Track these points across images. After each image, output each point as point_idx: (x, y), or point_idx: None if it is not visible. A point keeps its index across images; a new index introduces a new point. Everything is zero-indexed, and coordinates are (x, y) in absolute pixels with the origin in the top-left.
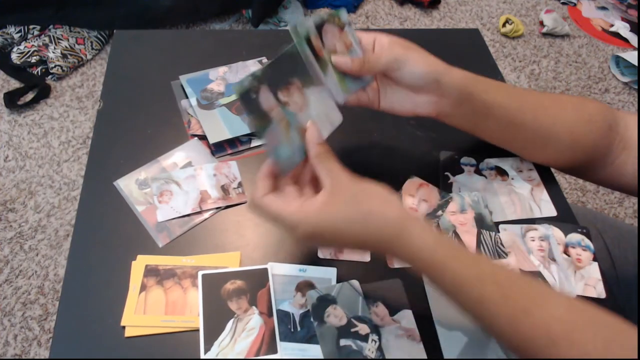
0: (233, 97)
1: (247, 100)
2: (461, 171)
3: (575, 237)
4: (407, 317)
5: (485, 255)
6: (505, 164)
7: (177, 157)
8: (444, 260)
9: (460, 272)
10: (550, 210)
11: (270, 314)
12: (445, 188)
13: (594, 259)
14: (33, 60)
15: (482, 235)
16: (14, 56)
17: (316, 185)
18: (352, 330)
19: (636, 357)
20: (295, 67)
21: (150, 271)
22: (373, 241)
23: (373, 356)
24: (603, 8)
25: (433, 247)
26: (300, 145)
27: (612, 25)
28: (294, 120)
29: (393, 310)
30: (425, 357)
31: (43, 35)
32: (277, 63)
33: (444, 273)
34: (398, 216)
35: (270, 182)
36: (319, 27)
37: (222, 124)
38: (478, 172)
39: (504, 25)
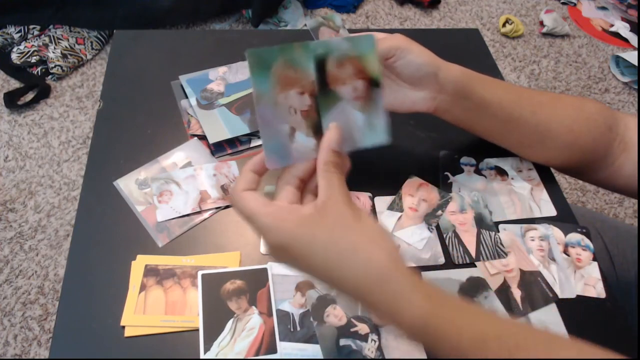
0: (233, 97)
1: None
2: (461, 171)
3: (575, 236)
4: None
5: (485, 307)
6: (505, 163)
7: (177, 157)
8: (439, 327)
9: (459, 339)
10: (550, 210)
11: (270, 314)
12: (445, 188)
13: (594, 259)
14: (33, 60)
15: (481, 235)
16: (14, 56)
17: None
18: (352, 330)
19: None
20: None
21: (150, 271)
22: (349, 284)
23: (373, 356)
24: (603, 8)
25: (426, 313)
26: (309, 144)
27: (612, 25)
28: (326, 110)
29: None
30: (425, 357)
31: (43, 35)
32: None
33: (440, 341)
34: (386, 264)
35: (255, 177)
36: (316, 30)
37: (222, 124)
38: (478, 172)
39: (504, 25)
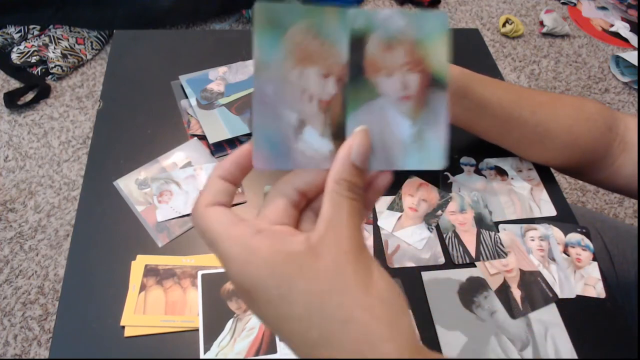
0: (233, 97)
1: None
2: (461, 171)
3: (574, 236)
4: None
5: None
6: (505, 163)
7: (176, 157)
8: None
9: None
10: (550, 210)
11: None
12: (444, 188)
13: (594, 259)
14: (33, 60)
15: (481, 235)
16: (14, 56)
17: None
18: None
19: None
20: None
21: (150, 271)
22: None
23: None
24: (603, 8)
25: None
26: (322, 148)
27: (612, 25)
28: (355, 106)
29: None
30: None
31: (43, 35)
32: None
33: None
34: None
35: (227, 187)
36: None
37: (222, 124)
38: (478, 172)
39: (504, 25)
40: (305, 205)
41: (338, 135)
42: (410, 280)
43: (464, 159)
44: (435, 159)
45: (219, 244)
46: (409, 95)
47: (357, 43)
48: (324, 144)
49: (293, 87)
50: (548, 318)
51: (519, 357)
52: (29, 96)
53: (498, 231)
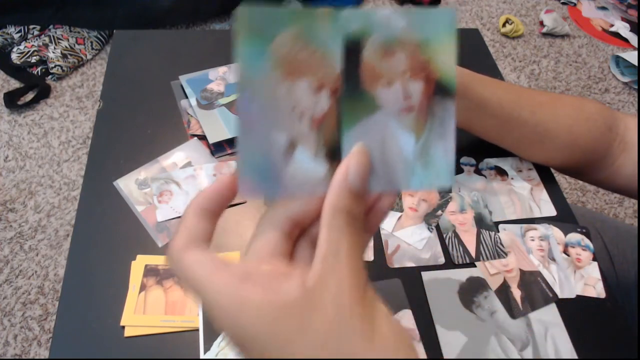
0: (233, 97)
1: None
2: (461, 171)
3: (574, 236)
4: (407, 317)
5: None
6: (505, 163)
7: (176, 157)
8: None
9: None
10: (550, 210)
11: None
12: None
13: (594, 259)
14: (33, 60)
15: (481, 235)
16: (14, 56)
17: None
18: None
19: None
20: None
21: (150, 271)
22: None
23: None
24: (603, 8)
25: None
26: (316, 170)
27: (612, 25)
28: (351, 122)
29: (393, 310)
30: (425, 357)
31: (43, 35)
32: None
33: None
34: None
35: (205, 225)
36: None
37: (222, 124)
38: (478, 172)
39: (504, 25)
40: (299, 234)
41: (333, 155)
42: (410, 280)
43: (464, 159)
44: (442, 177)
45: (204, 294)
46: (411, 106)
47: (353, 49)
48: (318, 167)
49: (281, 104)
50: (548, 318)
51: (519, 357)
52: (29, 96)
53: (498, 231)
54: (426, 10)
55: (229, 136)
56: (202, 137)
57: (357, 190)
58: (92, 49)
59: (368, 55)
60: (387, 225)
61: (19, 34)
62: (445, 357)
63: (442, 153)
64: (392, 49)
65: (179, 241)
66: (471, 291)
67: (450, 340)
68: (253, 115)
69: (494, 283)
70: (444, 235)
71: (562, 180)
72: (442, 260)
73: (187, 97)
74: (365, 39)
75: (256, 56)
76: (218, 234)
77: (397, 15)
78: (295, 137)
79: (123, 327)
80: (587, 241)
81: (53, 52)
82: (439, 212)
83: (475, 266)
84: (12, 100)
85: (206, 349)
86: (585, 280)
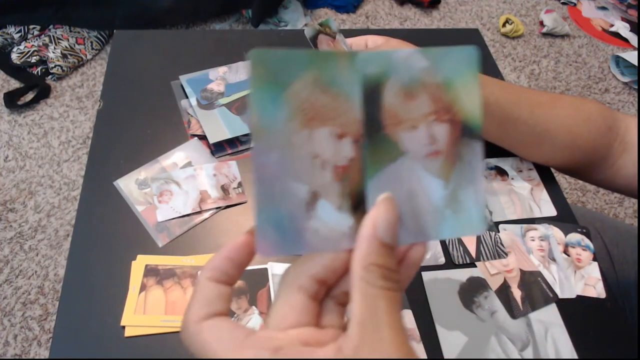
0: (233, 97)
1: (371, 94)
2: None
3: (575, 236)
4: (407, 317)
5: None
6: (505, 164)
7: (177, 157)
8: None
9: None
10: (550, 210)
11: None
12: None
13: (594, 259)
14: (33, 60)
15: (482, 235)
16: (14, 56)
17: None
18: None
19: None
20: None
21: (150, 271)
22: None
23: None
24: (603, 8)
25: None
26: (340, 224)
27: (612, 25)
28: (375, 169)
29: None
30: (425, 357)
31: (43, 35)
32: None
33: None
34: None
35: (222, 291)
36: (314, 39)
37: (222, 124)
38: None
39: (504, 25)
40: (325, 294)
41: (358, 206)
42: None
43: None
44: (475, 222)
45: None
46: (438, 151)
47: (372, 92)
48: (343, 219)
49: (301, 154)
50: (548, 318)
51: (519, 357)
52: (29, 96)
53: (498, 231)
54: (446, 48)
55: (229, 136)
56: (202, 137)
57: (388, 243)
58: (92, 49)
59: (389, 98)
60: None
61: (19, 34)
62: (445, 357)
63: (472, 197)
64: (414, 91)
65: (194, 312)
66: (471, 291)
67: (451, 340)
68: (270, 166)
69: (494, 283)
70: None
71: (562, 180)
72: (442, 260)
73: (187, 97)
74: (384, 82)
75: (272, 103)
76: (218, 234)
77: (417, 54)
78: (317, 188)
79: (123, 327)
80: (587, 241)
81: (53, 52)
82: None
83: (475, 266)
84: (12, 100)
85: None
86: (585, 280)
